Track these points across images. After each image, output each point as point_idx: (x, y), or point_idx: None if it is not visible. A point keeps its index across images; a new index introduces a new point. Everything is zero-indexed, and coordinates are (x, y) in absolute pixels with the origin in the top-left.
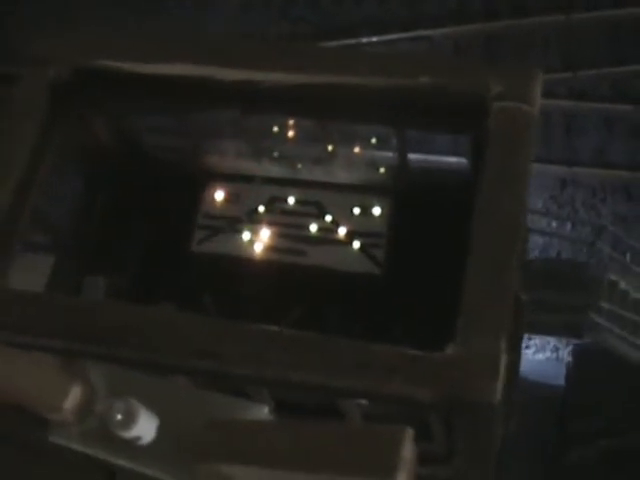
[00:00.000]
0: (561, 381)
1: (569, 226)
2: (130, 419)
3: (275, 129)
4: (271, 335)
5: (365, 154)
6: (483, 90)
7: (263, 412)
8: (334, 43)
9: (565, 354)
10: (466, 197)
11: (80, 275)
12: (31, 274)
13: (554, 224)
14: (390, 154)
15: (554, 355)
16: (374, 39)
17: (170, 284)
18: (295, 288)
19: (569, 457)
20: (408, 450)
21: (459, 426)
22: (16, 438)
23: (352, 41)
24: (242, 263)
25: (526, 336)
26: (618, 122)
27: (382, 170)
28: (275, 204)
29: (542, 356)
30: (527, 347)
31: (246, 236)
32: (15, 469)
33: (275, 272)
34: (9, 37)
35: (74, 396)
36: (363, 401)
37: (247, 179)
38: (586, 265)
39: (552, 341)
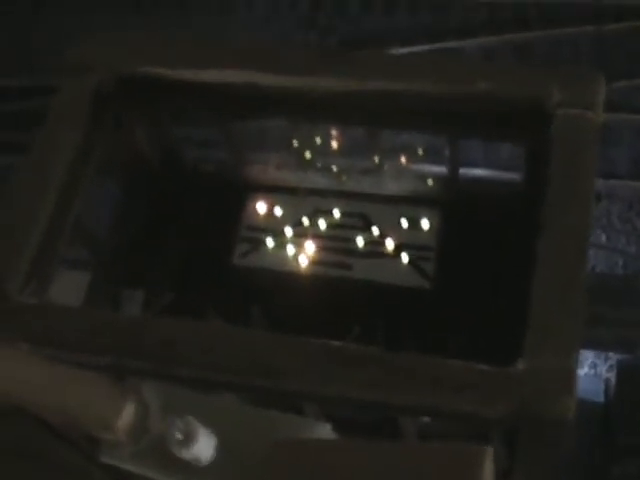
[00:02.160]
0: (600, 397)
1: (604, 238)
2: (190, 438)
3: (319, 139)
4: (332, 350)
5: (413, 165)
6: (544, 97)
7: (327, 430)
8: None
9: (603, 370)
10: (518, 209)
11: (118, 289)
12: (68, 289)
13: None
14: (439, 165)
15: (592, 371)
16: (403, 50)
17: (211, 298)
18: (341, 303)
19: (613, 473)
20: (489, 471)
21: (527, 444)
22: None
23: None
24: (285, 277)
25: None
26: None
27: (430, 181)
28: (320, 216)
29: (580, 372)
30: None
31: (290, 249)
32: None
33: (320, 286)
34: (32, 46)
35: (127, 415)
36: (426, 418)
37: (290, 191)
38: (638, 279)
39: (590, 357)
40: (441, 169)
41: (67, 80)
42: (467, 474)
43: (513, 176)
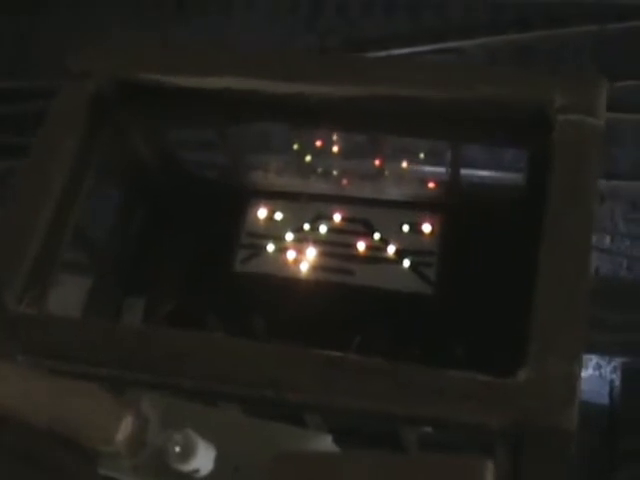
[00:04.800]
0: (605, 399)
1: (608, 240)
2: (188, 451)
3: (320, 144)
4: (334, 361)
5: (414, 170)
6: (546, 102)
7: (327, 442)
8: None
9: (608, 372)
10: (521, 214)
11: (119, 296)
12: (68, 296)
13: (593, 238)
14: (440, 169)
15: (597, 373)
16: (404, 51)
17: (213, 305)
18: (343, 308)
19: (617, 476)
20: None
21: (530, 454)
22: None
23: (382, 53)
24: (287, 283)
25: None
26: None
27: (432, 186)
28: (321, 222)
29: (584, 374)
30: None
31: (291, 255)
32: None
33: (322, 292)
34: (32, 50)
35: (126, 427)
36: (427, 429)
37: (291, 196)
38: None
39: (594, 358)
40: (443, 174)
41: (67, 84)
42: None
43: (516, 181)
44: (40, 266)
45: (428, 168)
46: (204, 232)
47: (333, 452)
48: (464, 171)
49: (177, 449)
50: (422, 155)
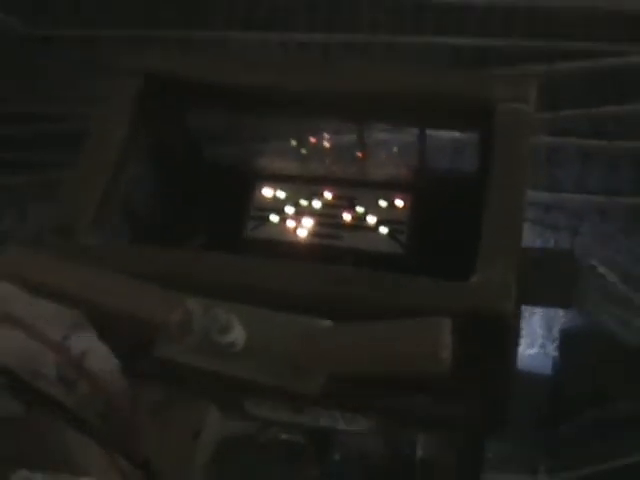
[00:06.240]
0: (548, 371)
1: (552, 243)
2: (227, 327)
3: (312, 140)
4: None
5: (390, 157)
6: (489, 93)
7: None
8: None
9: (551, 349)
10: (475, 188)
11: None
12: None
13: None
14: (411, 157)
15: (542, 350)
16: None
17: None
18: (332, 265)
19: (561, 429)
20: (448, 338)
21: (476, 338)
22: None
23: None
24: (288, 245)
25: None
26: (595, 155)
27: (404, 170)
28: (314, 199)
29: (531, 351)
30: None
31: (291, 224)
32: None
33: (315, 252)
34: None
35: (177, 313)
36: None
37: (291, 179)
38: (572, 249)
39: (540, 338)
40: (414, 160)
41: (114, 82)
42: (431, 340)
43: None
44: (103, 210)
45: (401, 157)
46: (222, 207)
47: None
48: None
49: (217, 324)
50: (397, 146)
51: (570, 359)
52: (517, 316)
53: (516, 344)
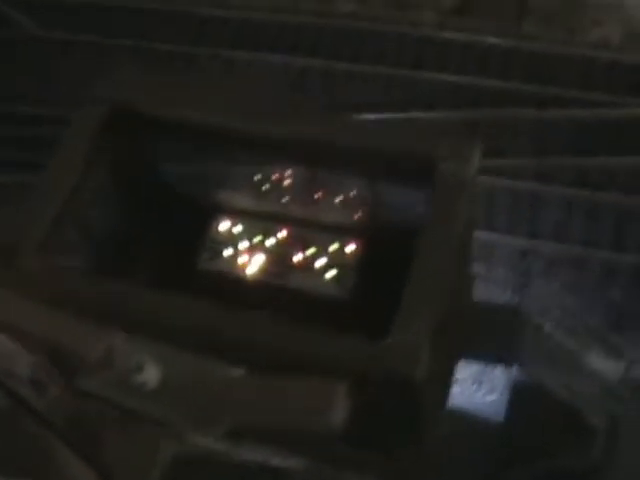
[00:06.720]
0: (501, 418)
1: (526, 292)
2: (140, 366)
3: (275, 176)
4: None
5: (345, 203)
6: (432, 152)
7: (240, 372)
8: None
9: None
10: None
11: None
12: None
13: (509, 291)
14: (365, 204)
15: (502, 398)
16: (373, 116)
17: (178, 291)
18: (278, 304)
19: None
20: (343, 404)
21: (380, 401)
22: None
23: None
24: (237, 281)
25: (478, 379)
26: (577, 204)
27: (357, 216)
28: (268, 237)
29: (490, 398)
30: (479, 390)
31: (242, 259)
32: None
33: (263, 290)
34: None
35: (100, 347)
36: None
37: (248, 215)
38: (518, 307)
39: (500, 385)
40: (367, 206)
41: (85, 107)
42: (321, 404)
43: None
44: (52, 235)
45: (356, 202)
46: (179, 237)
47: (237, 377)
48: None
49: (132, 363)
50: (354, 191)
51: (521, 411)
52: (438, 379)
53: (435, 408)
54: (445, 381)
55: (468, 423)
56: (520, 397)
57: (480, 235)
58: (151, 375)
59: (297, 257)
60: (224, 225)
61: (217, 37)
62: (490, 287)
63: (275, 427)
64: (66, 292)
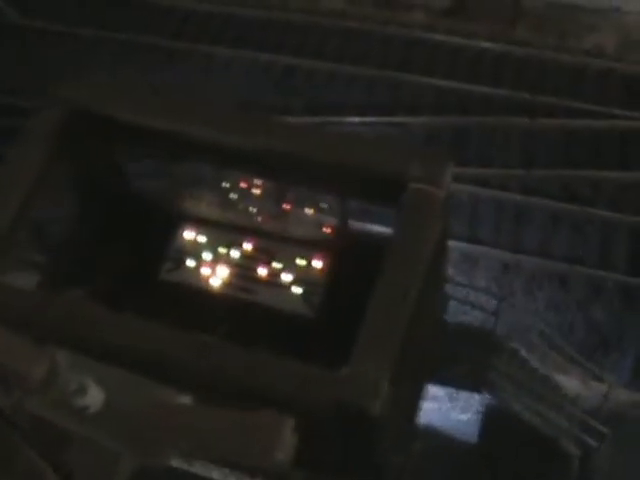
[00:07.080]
0: (475, 439)
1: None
2: (83, 390)
3: (243, 185)
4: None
5: (314, 216)
6: (403, 172)
7: (187, 399)
8: (321, 119)
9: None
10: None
11: (62, 290)
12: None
13: (493, 303)
14: (334, 218)
15: (475, 417)
16: (357, 119)
17: (138, 302)
18: (241, 319)
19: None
20: (288, 438)
21: (339, 429)
22: None
23: (337, 119)
24: (200, 293)
25: (453, 398)
26: (563, 219)
27: (326, 231)
28: (234, 248)
29: (464, 417)
30: (453, 408)
31: (206, 271)
32: None
33: (225, 304)
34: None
35: (42, 367)
36: None
37: (213, 224)
38: (494, 331)
39: (475, 404)
40: (336, 222)
41: (45, 107)
42: (267, 441)
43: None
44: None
45: (325, 216)
46: (142, 245)
47: (188, 405)
48: (354, 222)
49: (74, 386)
50: (324, 205)
51: (495, 433)
52: (401, 405)
53: (393, 438)
54: (411, 404)
55: (442, 440)
56: (493, 420)
57: (463, 247)
58: (94, 398)
59: (262, 271)
60: (189, 234)
61: (199, 32)
62: (472, 297)
63: (220, 458)
64: (9, 309)
